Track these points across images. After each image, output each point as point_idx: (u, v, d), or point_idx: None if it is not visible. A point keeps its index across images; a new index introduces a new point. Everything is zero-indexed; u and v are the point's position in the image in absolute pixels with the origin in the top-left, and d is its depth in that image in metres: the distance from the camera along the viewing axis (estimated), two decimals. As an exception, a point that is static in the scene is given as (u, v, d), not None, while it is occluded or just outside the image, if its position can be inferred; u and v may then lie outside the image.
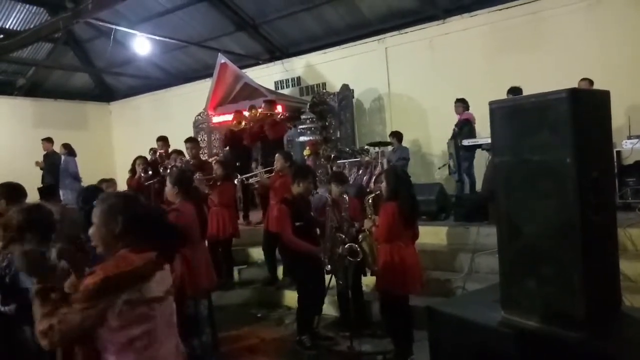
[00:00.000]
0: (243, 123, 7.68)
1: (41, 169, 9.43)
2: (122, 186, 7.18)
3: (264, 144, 7.54)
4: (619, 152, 5.71)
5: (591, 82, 6.01)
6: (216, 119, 9.40)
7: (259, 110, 7.85)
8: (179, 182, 3.79)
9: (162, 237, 1.81)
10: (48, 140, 9.53)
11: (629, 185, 5.70)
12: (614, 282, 2.32)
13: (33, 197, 4.28)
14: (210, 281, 3.99)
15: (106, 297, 1.57)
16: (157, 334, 1.70)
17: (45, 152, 9.53)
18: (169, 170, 6.25)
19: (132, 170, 6.65)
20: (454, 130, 6.88)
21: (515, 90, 6.04)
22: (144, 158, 6.62)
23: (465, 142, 6.85)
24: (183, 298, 3.49)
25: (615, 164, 5.34)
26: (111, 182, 6.73)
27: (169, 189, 3.83)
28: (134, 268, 1.63)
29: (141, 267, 1.65)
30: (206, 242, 5.54)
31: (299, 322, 4.34)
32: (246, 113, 8.20)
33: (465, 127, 6.86)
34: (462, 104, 7.04)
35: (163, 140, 7.31)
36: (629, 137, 5.90)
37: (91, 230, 1.78)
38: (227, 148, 8.17)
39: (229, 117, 8.44)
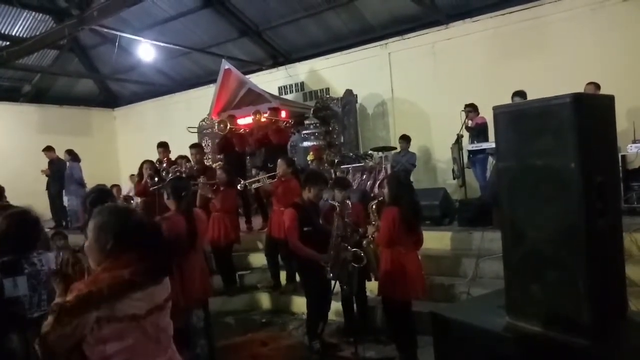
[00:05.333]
0: (228, 126, 7.64)
1: (47, 175, 9.48)
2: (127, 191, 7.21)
3: (267, 149, 7.55)
4: (624, 157, 5.68)
5: (597, 86, 5.99)
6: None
7: (264, 115, 7.85)
8: (172, 192, 3.73)
9: (153, 253, 1.78)
10: (49, 149, 9.55)
11: (635, 190, 5.66)
12: (620, 287, 2.30)
13: (41, 200, 4.32)
14: (205, 291, 3.87)
15: (78, 316, 1.59)
16: (135, 351, 1.68)
17: (49, 160, 9.57)
18: (171, 176, 6.28)
19: (140, 175, 6.66)
20: (458, 135, 6.86)
21: (520, 94, 6.03)
22: (151, 162, 6.63)
23: (470, 147, 6.86)
24: (175, 309, 3.40)
25: (621, 168, 5.31)
26: (116, 188, 6.77)
27: (165, 197, 3.81)
28: (104, 287, 1.62)
29: (108, 287, 1.62)
30: (208, 248, 5.58)
31: (308, 328, 4.33)
32: (249, 119, 8.21)
33: (485, 130, 6.85)
34: (473, 109, 7.00)
35: (163, 146, 7.33)
36: (634, 141, 5.89)
37: (85, 245, 1.77)
38: (222, 155, 8.12)
39: (249, 120, 8.42)
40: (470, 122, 6.98)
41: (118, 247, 1.71)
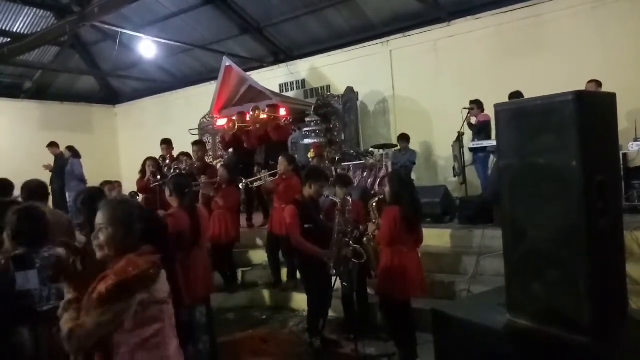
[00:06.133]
0: (237, 126, 7.68)
1: (51, 171, 9.50)
2: (128, 188, 7.21)
3: (268, 146, 7.56)
4: (625, 155, 5.68)
5: (599, 84, 5.98)
6: (220, 122, 9.42)
7: (263, 112, 7.85)
8: (174, 188, 3.74)
9: (164, 242, 1.94)
10: (53, 145, 9.59)
11: (636, 188, 5.66)
12: (621, 286, 2.30)
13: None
14: (208, 287, 3.90)
15: (121, 301, 1.64)
16: (165, 333, 1.78)
17: (55, 156, 9.59)
18: (172, 172, 6.30)
19: (143, 172, 6.68)
20: (459, 132, 6.85)
21: (516, 96, 6.01)
22: (154, 159, 6.64)
23: (471, 145, 6.85)
24: (178, 305, 3.41)
25: (622, 166, 5.31)
26: (115, 184, 6.76)
27: (167, 194, 3.82)
28: (143, 271, 1.70)
29: (148, 270, 1.72)
30: (209, 245, 5.59)
31: (309, 325, 4.34)
32: (248, 116, 8.23)
33: (486, 128, 6.82)
34: (477, 105, 6.94)
35: (167, 143, 7.35)
36: (636, 139, 5.88)
37: (104, 235, 1.79)
38: (231, 150, 8.17)
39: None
40: (473, 118, 6.95)
41: (142, 237, 1.81)
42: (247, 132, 7.75)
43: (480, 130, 6.82)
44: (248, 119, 8.02)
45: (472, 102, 6.95)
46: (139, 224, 1.82)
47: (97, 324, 1.62)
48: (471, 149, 6.89)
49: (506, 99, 5.46)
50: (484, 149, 6.66)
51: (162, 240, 1.93)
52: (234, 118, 8.00)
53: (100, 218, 1.81)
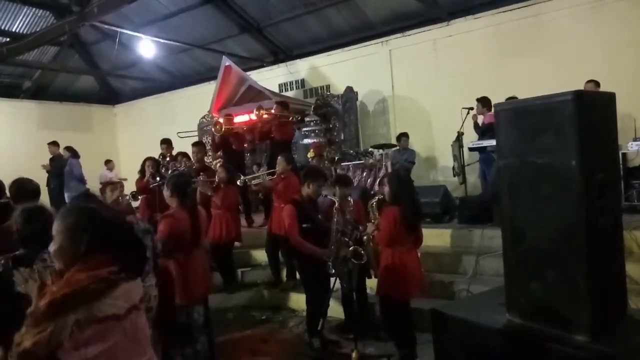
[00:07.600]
0: (223, 128, 7.65)
1: (47, 172, 9.48)
2: (127, 188, 7.18)
3: (272, 146, 7.52)
4: (624, 154, 5.68)
5: (597, 84, 5.98)
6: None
7: (270, 110, 7.76)
8: (175, 188, 3.70)
9: (128, 251, 1.74)
10: (54, 144, 9.62)
11: (635, 188, 5.66)
12: (620, 285, 2.31)
13: (42, 197, 4.28)
14: (206, 288, 3.88)
15: (54, 320, 1.52)
16: (116, 352, 1.64)
17: (52, 156, 9.58)
18: (170, 172, 6.28)
19: (142, 172, 6.67)
20: (458, 132, 6.83)
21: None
22: (154, 159, 6.63)
23: (471, 145, 6.83)
24: (174, 306, 3.35)
25: (621, 166, 5.31)
26: (117, 185, 6.74)
27: (166, 194, 3.79)
28: (79, 288, 1.56)
29: (87, 287, 1.57)
30: (208, 245, 5.58)
31: (308, 325, 4.33)
32: (248, 116, 8.19)
33: (492, 130, 6.72)
34: (482, 104, 6.83)
35: (167, 143, 7.34)
36: (635, 139, 5.88)
37: (52, 247, 1.71)
38: (220, 152, 8.12)
39: (245, 118, 8.48)
40: (480, 118, 6.88)
41: (92, 247, 1.65)
42: (235, 134, 7.71)
43: (485, 132, 6.72)
44: (248, 119, 7.99)
45: (478, 100, 6.87)
46: (87, 234, 1.66)
47: (34, 343, 1.52)
48: (472, 149, 6.86)
49: (505, 99, 5.46)
50: (484, 148, 6.62)
51: (131, 247, 1.75)
52: (221, 120, 7.95)
53: (53, 227, 1.73)
